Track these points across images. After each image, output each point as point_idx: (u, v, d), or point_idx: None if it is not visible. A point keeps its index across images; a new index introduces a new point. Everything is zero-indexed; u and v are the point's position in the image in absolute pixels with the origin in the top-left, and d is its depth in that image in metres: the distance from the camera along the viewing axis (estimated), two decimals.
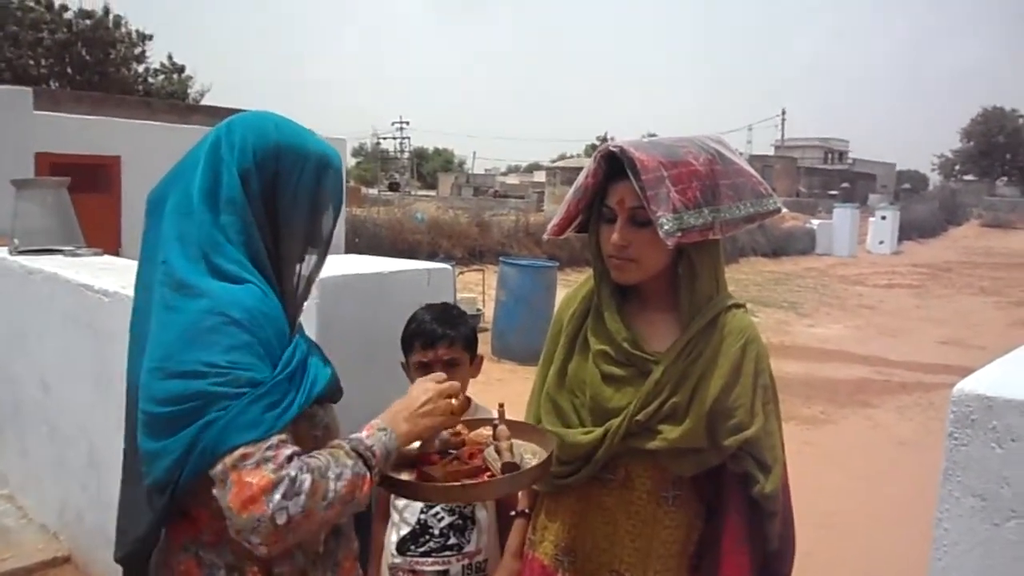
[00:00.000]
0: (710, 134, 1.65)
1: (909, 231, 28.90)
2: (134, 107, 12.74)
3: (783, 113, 64.36)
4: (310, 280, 1.41)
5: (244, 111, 1.42)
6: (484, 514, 1.97)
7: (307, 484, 1.15)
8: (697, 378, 1.53)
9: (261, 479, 1.13)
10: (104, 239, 7.26)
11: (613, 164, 1.54)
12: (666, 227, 1.45)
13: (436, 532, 1.93)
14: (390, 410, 1.39)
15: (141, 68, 29.21)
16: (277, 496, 1.12)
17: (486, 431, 1.59)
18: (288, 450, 1.17)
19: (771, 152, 55.33)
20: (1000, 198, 47.32)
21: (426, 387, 1.43)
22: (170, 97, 26.42)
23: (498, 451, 1.50)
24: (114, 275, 3.24)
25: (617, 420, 1.55)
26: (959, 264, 23.13)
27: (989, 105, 61.31)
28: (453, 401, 1.44)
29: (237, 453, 1.14)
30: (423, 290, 2.23)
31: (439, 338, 1.94)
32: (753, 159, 50.79)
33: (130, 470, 1.35)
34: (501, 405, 1.63)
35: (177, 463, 1.17)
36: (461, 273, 13.42)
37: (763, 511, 1.52)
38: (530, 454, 1.55)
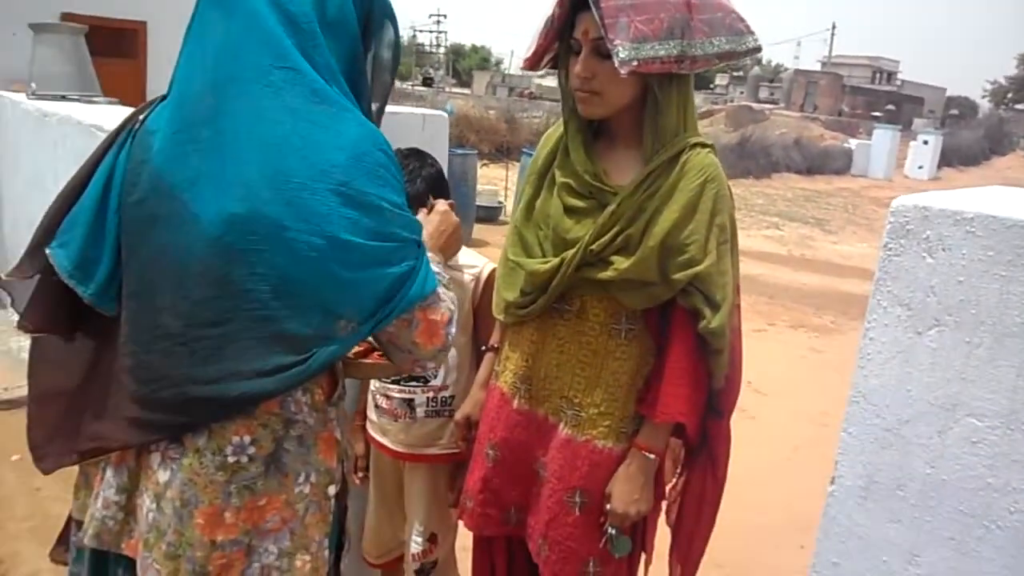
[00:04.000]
0: None
1: (951, 158, 28.04)
2: None
3: (833, 27, 61.83)
4: None
5: None
6: (454, 352, 2.02)
7: (456, 313, 1.25)
8: (652, 212, 1.53)
9: (442, 316, 1.20)
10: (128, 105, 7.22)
11: None
12: (621, 55, 1.42)
13: None
14: (431, 239, 1.46)
15: None
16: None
17: None
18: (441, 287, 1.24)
19: (817, 68, 53.47)
20: None
21: (452, 219, 1.56)
22: None
23: None
24: None
25: (572, 250, 1.56)
26: None
27: None
28: None
29: (430, 297, 1.17)
30: (418, 134, 2.24)
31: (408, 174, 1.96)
32: (797, 73, 49.18)
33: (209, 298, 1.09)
34: None
35: (380, 301, 1.11)
36: (484, 165, 13.33)
37: (709, 347, 1.55)
38: None
